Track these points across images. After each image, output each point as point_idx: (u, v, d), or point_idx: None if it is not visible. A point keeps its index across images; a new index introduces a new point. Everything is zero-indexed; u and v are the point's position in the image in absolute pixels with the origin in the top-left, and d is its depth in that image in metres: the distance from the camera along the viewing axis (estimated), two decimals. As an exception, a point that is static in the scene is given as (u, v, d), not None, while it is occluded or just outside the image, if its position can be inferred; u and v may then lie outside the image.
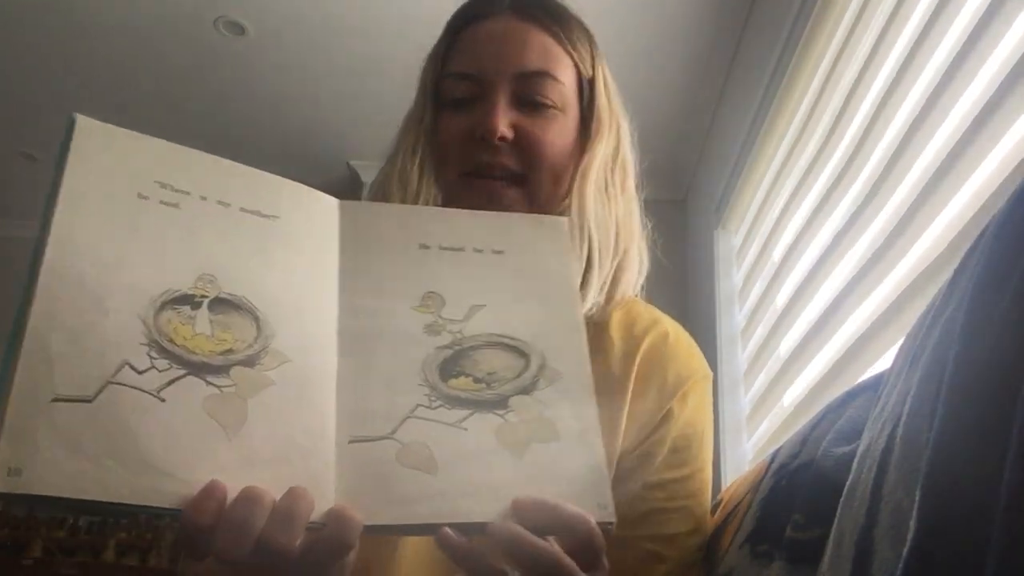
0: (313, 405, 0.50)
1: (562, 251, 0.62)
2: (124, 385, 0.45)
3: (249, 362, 0.50)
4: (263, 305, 0.52)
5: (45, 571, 2.67)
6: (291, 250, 0.55)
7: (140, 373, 0.46)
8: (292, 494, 0.45)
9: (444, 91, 0.76)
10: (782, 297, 1.64)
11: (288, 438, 0.48)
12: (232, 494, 0.44)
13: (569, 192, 0.74)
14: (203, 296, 0.51)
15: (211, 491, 0.44)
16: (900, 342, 0.48)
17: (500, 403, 0.54)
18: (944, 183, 1.00)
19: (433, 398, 0.53)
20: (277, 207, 0.56)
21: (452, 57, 0.76)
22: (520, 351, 0.56)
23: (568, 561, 0.48)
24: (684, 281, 2.57)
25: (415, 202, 0.73)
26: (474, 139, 0.72)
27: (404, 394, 0.53)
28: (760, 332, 1.77)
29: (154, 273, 0.50)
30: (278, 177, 0.57)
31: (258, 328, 0.51)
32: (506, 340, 0.57)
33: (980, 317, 0.33)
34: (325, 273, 0.56)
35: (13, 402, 0.42)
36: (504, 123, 0.71)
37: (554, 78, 0.74)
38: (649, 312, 0.81)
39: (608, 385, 0.74)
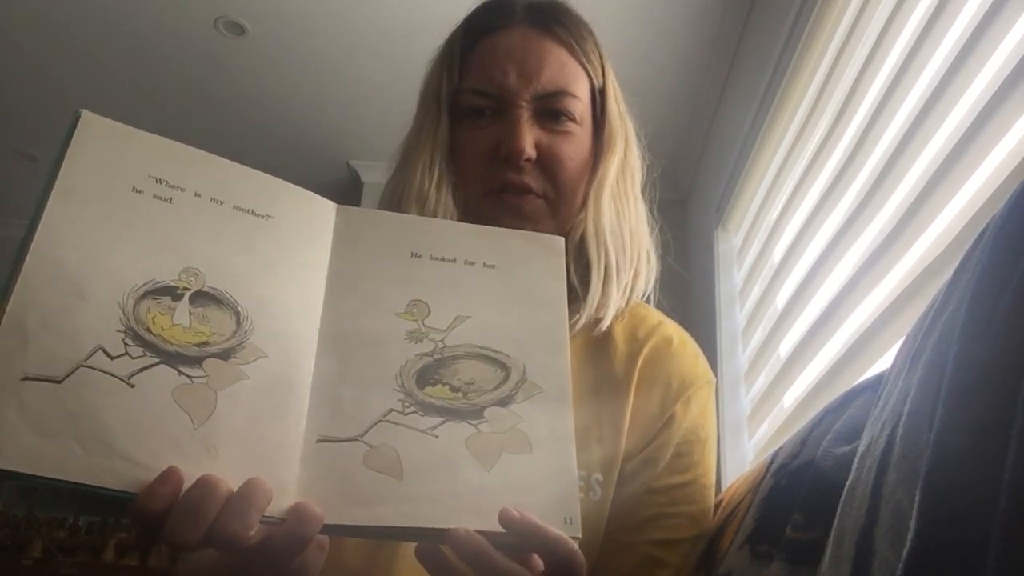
0: (284, 402, 0.51)
1: (555, 270, 0.62)
2: (95, 369, 0.46)
3: (224, 355, 0.50)
4: (246, 301, 0.52)
5: (45, 571, 2.67)
6: (282, 250, 0.55)
7: (113, 358, 0.47)
8: (249, 484, 0.45)
9: (462, 104, 0.75)
10: (782, 297, 1.64)
11: (255, 432, 0.49)
12: (190, 482, 0.45)
13: (585, 202, 0.75)
14: (185, 288, 0.51)
15: (167, 477, 0.44)
16: (900, 342, 0.48)
17: (475, 413, 0.54)
18: (944, 183, 1.00)
19: (407, 404, 0.53)
20: (272, 208, 0.56)
21: (469, 70, 0.76)
22: (501, 363, 0.57)
23: None
24: (684, 281, 2.57)
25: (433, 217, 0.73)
26: (498, 158, 0.72)
27: (378, 398, 0.53)
28: (760, 332, 1.77)
29: (139, 263, 0.50)
30: (277, 179, 0.58)
31: (237, 323, 0.52)
32: (488, 352, 0.57)
33: (980, 317, 0.33)
34: (314, 275, 0.56)
35: None
36: (530, 144, 0.71)
37: (572, 95, 0.74)
38: (653, 315, 0.81)
39: (610, 386, 0.74)
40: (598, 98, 0.78)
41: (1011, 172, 0.85)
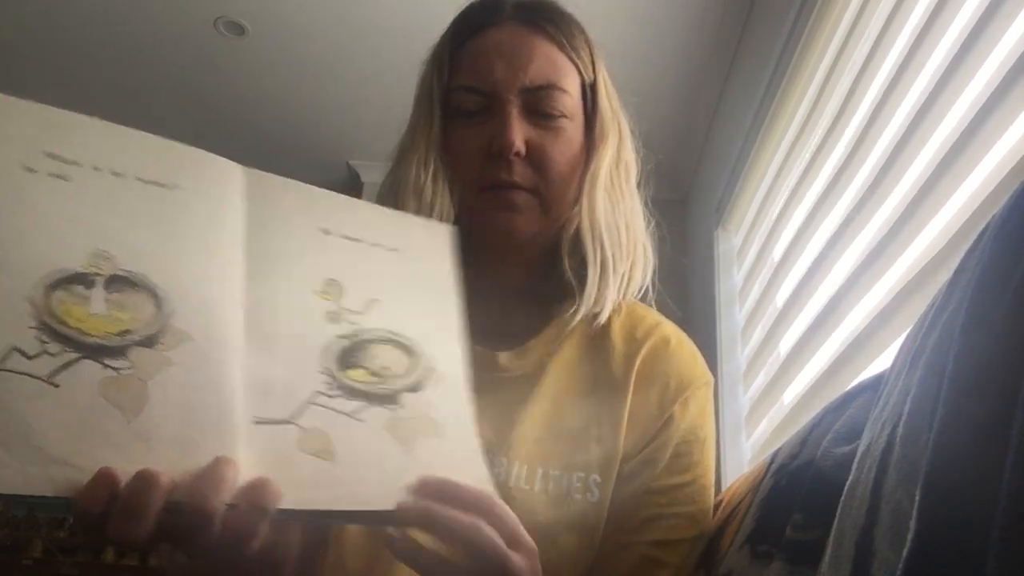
0: (216, 385, 0.48)
1: (449, 258, 0.63)
2: (12, 372, 0.43)
3: (148, 342, 0.47)
4: (162, 282, 0.50)
5: (45, 571, 2.67)
6: (192, 223, 0.52)
7: (30, 358, 0.44)
8: (214, 463, 0.45)
9: (453, 103, 0.76)
10: (782, 297, 1.64)
11: (191, 420, 0.47)
12: (127, 479, 0.43)
13: (579, 196, 0.75)
14: (97, 274, 0.48)
15: (102, 478, 0.42)
16: (899, 341, 0.48)
17: (391, 398, 0.54)
18: (943, 183, 1.00)
19: (332, 386, 0.52)
20: (178, 176, 0.53)
21: (459, 68, 0.76)
22: (410, 350, 0.57)
23: (489, 530, 0.49)
24: (684, 281, 2.57)
25: (429, 212, 0.73)
26: (489, 154, 0.72)
27: (305, 379, 0.52)
28: (760, 332, 1.77)
29: (43, 251, 0.47)
30: (177, 143, 0.54)
31: (157, 306, 0.49)
32: (398, 338, 0.57)
33: (980, 317, 0.33)
34: (230, 247, 0.53)
35: None
36: (518, 138, 0.71)
37: (561, 89, 0.74)
38: (651, 316, 0.81)
39: (608, 386, 0.75)
40: (589, 93, 0.78)
41: (1010, 171, 0.85)
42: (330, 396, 0.52)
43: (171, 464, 0.45)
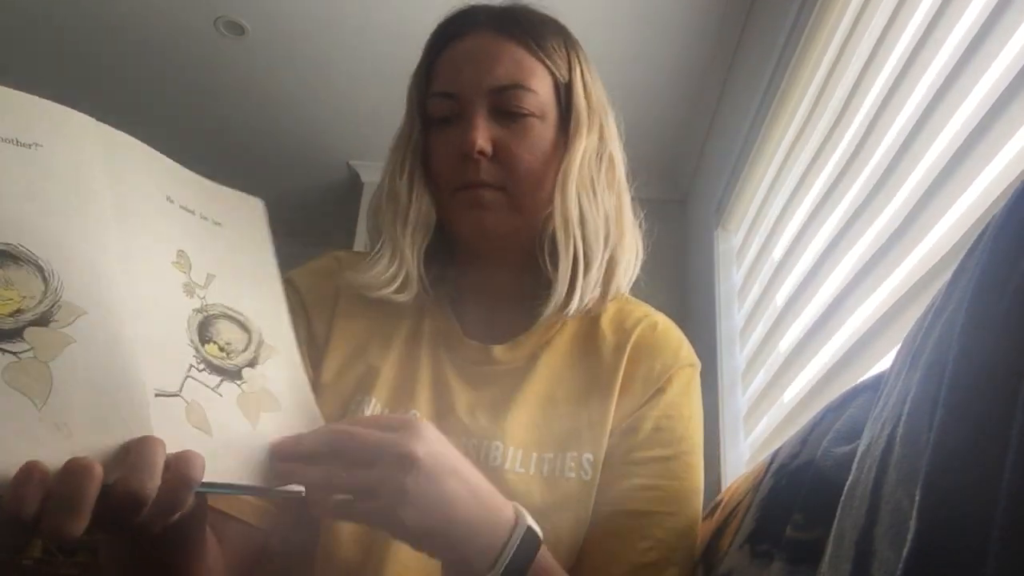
0: (117, 358, 0.46)
1: (265, 231, 0.64)
2: None
3: (42, 320, 0.45)
4: (45, 253, 0.46)
5: (45, 571, 2.67)
6: (59, 185, 0.49)
7: None
8: (140, 443, 0.44)
9: (430, 110, 0.78)
10: (782, 297, 1.65)
11: (101, 399, 0.45)
12: (54, 469, 0.41)
13: (553, 194, 0.76)
14: None
15: (30, 472, 0.41)
16: (899, 342, 0.48)
17: (236, 373, 0.55)
18: (945, 183, 1.00)
19: (199, 359, 0.53)
20: (37, 133, 0.49)
21: (434, 76, 0.79)
22: (244, 326, 0.58)
23: (335, 478, 0.53)
24: (684, 281, 2.57)
25: (406, 216, 0.76)
26: (460, 157, 0.74)
27: (180, 351, 0.52)
28: (759, 332, 1.77)
29: None
30: (30, 96, 0.50)
31: (44, 280, 0.46)
32: (235, 315, 0.58)
33: (980, 317, 0.33)
34: (97, 210, 0.50)
35: None
36: (482, 137, 0.73)
37: (527, 88, 0.76)
38: (640, 308, 0.83)
39: (599, 374, 0.77)
40: (563, 92, 0.79)
41: (1011, 172, 0.85)
42: (199, 369, 0.52)
43: (91, 448, 0.43)
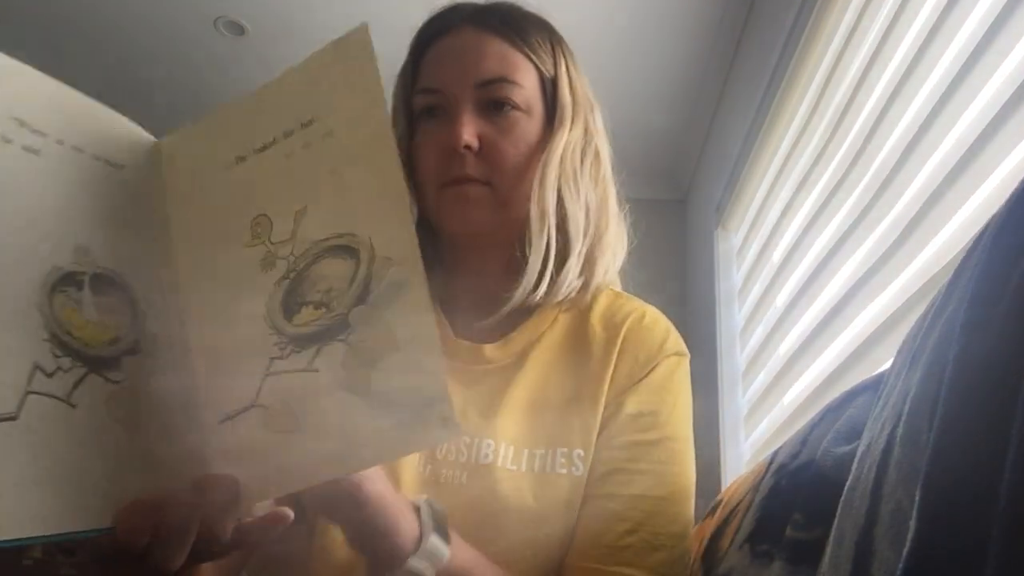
0: (187, 387, 0.46)
1: (372, 86, 0.51)
2: (39, 394, 0.39)
3: (133, 349, 0.44)
4: (132, 280, 0.45)
5: (45, 571, 2.67)
6: (137, 206, 0.48)
7: (49, 376, 0.40)
8: (217, 488, 0.44)
9: (415, 106, 0.78)
10: (782, 297, 1.65)
11: (174, 428, 0.44)
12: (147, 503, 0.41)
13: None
14: (83, 273, 0.43)
15: (139, 505, 0.41)
16: (900, 343, 0.48)
17: (342, 325, 0.47)
18: (946, 184, 1.00)
19: (283, 345, 0.47)
20: (120, 154, 0.48)
21: (419, 74, 0.79)
22: (349, 248, 0.48)
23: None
24: (684, 281, 2.57)
25: None
26: (446, 152, 0.74)
27: (257, 352, 0.47)
28: (760, 332, 1.77)
29: (33, 245, 0.41)
30: (110, 111, 0.49)
31: (132, 308, 0.45)
32: (333, 240, 0.48)
33: (980, 317, 0.33)
34: (162, 229, 0.49)
35: None
36: (468, 132, 0.73)
37: (512, 82, 0.76)
38: (631, 302, 0.84)
39: (589, 374, 0.77)
40: (548, 87, 0.79)
41: (1011, 172, 0.85)
42: (283, 358, 0.47)
43: (171, 481, 0.42)
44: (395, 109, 0.81)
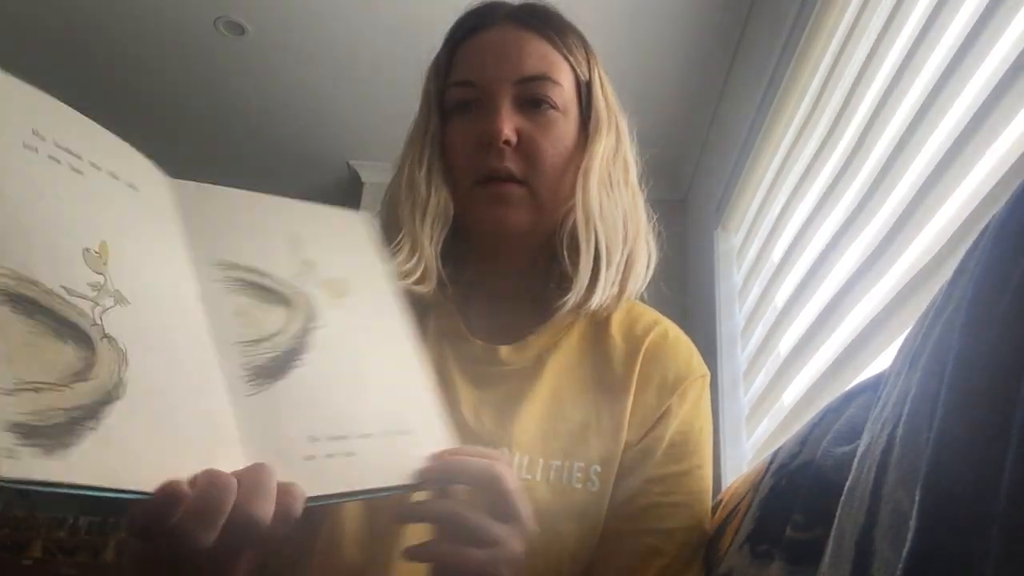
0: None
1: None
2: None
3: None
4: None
5: (45, 571, 2.67)
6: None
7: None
8: (256, 471, 0.45)
9: (448, 99, 0.77)
10: (782, 297, 1.65)
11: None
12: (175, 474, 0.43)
13: (573, 191, 0.75)
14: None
15: (173, 483, 0.42)
16: (900, 342, 0.48)
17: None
18: (943, 183, 1.00)
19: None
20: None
21: (454, 67, 0.78)
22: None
23: (474, 518, 0.53)
24: (684, 281, 2.57)
25: (424, 208, 0.74)
26: (482, 146, 0.73)
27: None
28: (760, 332, 1.77)
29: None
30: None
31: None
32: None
33: (980, 317, 0.33)
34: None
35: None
36: (508, 127, 0.72)
37: (553, 81, 0.75)
38: (649, 313, 0.82)
39: (609, 382, 0.76)
40: (584, 91, 0.79)
41: (1011, 169, 0.85)
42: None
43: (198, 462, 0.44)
44: (426, 102, 0.79)
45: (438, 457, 0.54)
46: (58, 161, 0.46)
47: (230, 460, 0.45)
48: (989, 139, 0.92)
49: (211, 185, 0.57)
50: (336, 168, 3.06)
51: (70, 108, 0.49)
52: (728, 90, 2.29)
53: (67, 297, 0.42)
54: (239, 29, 2.37)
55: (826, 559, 0.44)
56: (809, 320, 1.40)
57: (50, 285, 0.41)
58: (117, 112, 2.70)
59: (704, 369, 0.80)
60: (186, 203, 0.54)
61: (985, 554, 0.27)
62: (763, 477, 0.67)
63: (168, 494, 0.42)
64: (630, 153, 0.82)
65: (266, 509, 0.44)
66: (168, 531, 0.42)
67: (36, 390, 0.39)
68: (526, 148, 0.73)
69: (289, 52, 2.46)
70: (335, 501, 0.51)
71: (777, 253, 1.72)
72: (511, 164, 0.73)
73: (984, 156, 0.93)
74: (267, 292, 0.54)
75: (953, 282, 0.39)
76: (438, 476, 0.53)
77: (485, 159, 0.73)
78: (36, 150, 0.45)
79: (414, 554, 0.53)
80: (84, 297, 0.43)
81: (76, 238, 0.44)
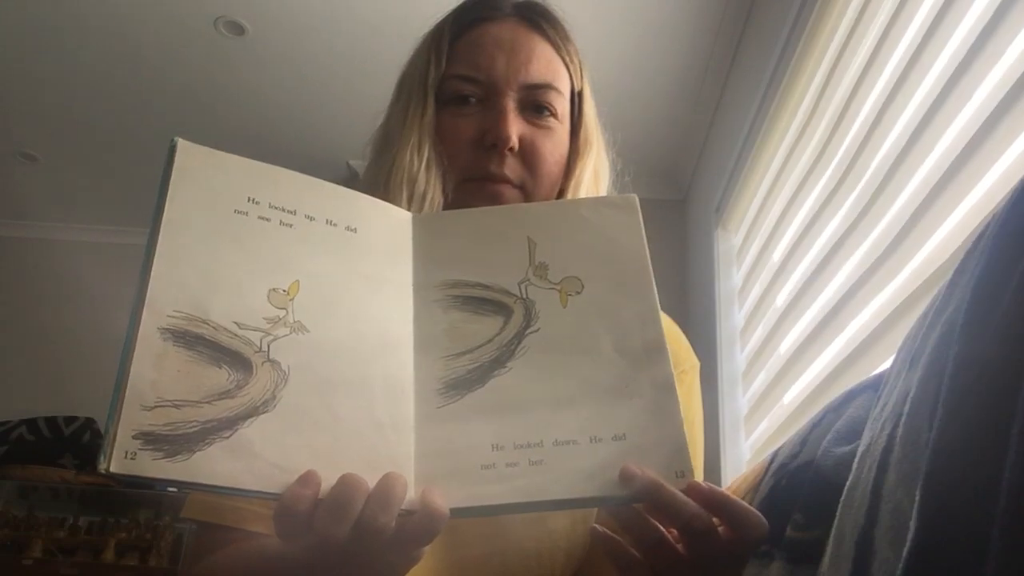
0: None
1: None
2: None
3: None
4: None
5: (45, 571, 2.67)
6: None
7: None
8: (389, 478, 0.47)
9: (447, 90, 0.76)
10: (781, 297, 1.65)
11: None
12: (327, 481, 0.46)
13: (563, 196, 0.77)
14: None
15: (308, 477, 0.45)
16: (899, 342, 0.48)
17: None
18: (944, 184, 1.00)
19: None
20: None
21: (457, 57, 0.77)
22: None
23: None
24: (684, 281, 2.57)
25: (422, 203, 0.73)
26: (482, 145, 0.73)
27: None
28: (759, 332, 1.77)
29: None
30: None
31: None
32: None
33: (980, 317, 0.33)
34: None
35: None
36: (515, 133, 0.72)
37: (556, 90, 0.76)
38: None
39: None
40: (576, 100, 0.79)
41: (1011, 172, 0.85)
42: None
43: (357, 466, 0.47)
44: (419, 86, 0.77)
45: (693, 487, 0.51)
46: (267, 219, 0.53)
47: (397, 470, 0.48)
48: (995, 140, 0.91)
49: (450, 212, 0.63)
50: (336, 168, 3.06)
51: (293, 172, 0.56)
52: (728, 90, 2.29)
53: (236, 331, 0.48)
54: (239, 29, 2.37)
55: (826, 559, 0.44)
56: (808, 320, 1.40)
57: (221, 322, 0.48)
58: (117, 112, 2.70)
59: (695, 359, 0.81)
60: (422, 233, 0.59)
61: (985, 554, 0.27)
62: (763, 477, 0.67)
63: (296, 494, 0.45)
64: (605, 164, 0.83)
65: (388, 516, 0.45)
66: (307, 527, 0.44)
67: (176, 407, 0.44)
68: (526, 155, 0.74)
69: (289, 52, 2.46)
70: (500, 512, 0.51)
71: (777, 253, 1.72)
72: (509, 170, 0.73)
73: (989, 157, 0.93)
74: (486, 303, 0.56)
75: (953, 282, 0.39)
76: (697, 501, 0.51)
77: (485, 161, 0.73)
78: (247, 214, 0.52)
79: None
80: (256, 329, 0.49)
81: (264, 280, 0.51)
